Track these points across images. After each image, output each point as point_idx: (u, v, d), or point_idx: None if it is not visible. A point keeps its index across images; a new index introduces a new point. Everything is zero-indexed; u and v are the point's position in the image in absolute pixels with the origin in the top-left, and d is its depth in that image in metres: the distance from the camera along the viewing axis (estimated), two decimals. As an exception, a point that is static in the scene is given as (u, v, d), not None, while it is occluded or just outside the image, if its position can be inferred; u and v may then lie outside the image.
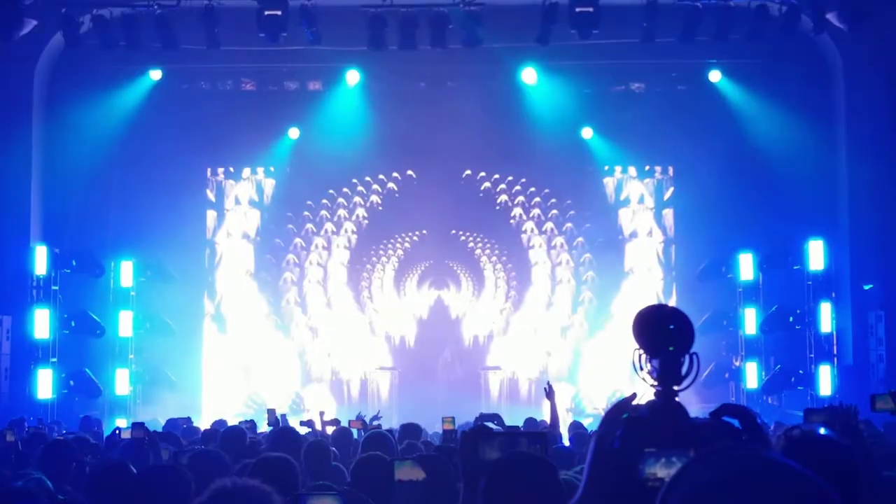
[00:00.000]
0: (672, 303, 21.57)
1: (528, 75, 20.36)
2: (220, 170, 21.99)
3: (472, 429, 6.37)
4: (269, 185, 22.01)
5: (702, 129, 19.82)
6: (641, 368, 3.60)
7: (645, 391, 3.62)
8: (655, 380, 3.58)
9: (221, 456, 6.47)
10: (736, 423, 3.50)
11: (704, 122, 19.90)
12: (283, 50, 18.42)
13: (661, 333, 3.60)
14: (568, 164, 20.79)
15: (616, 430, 3.38)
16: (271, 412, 11.79)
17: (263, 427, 12.59)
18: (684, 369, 3.62)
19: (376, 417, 12.67)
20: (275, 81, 21.21)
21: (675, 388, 3.62)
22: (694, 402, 20.15)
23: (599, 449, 3.37)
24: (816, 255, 19.39)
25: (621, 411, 3.49)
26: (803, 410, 8.41)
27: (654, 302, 21.69)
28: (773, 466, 1.87)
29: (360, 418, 11.98)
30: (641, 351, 3.60)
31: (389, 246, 22.00)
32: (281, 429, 9.36)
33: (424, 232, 21.75)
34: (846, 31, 17.63)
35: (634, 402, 3.55)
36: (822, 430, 4.32)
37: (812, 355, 19.33)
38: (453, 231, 21.74)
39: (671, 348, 3.59)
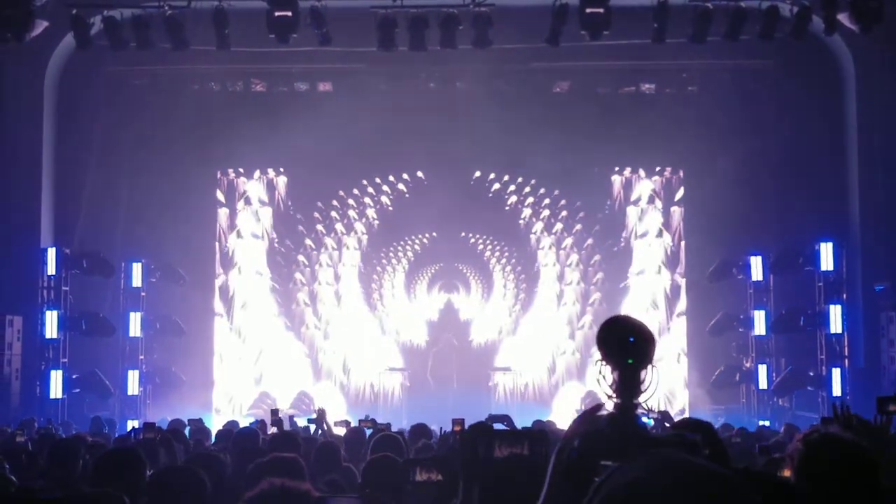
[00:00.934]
0: (681, 304, 21.57)
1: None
2: (231, 170, 22.02)
3: (472, 427, 6.32)
4: (280, 186, 22.04)
5: (712, 130, 19.76)
6: (604, 380, 3.53)
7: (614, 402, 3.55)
8: (615, 392, 3.52)
9: (224, 458, 6.46)
10: (698, 437, 3.38)
11: (714, 124, 19.82)
12: (293, 51, 18.41)
13: (621, 346, 3.55)
14: (577, 166, 20.74)
15: (574, 442, 3.31)
16: (274, 412, 11.81)
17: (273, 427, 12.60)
18: (644, 382, 3.54)
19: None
20: (285, 82, 21.24)
21: (634, 401, 3.54)
22: (707, 403, 20.21)
23: (558, 460, 3.33)
24: (827, 256, 19.33)
25: (583, 422, 3.44)
26: (820, 418, 8.37)
27: (661, 302, 21.71)
28: (691, 468, 1.90)
29: (369, 419, 11.97)
30: (603, 362, 3.55)
31: (399, 248, 22.01)
32: (281, 433, 9.36)
33: (434, 234, 21.75)
34: (858, 33, 17.56)
35: (598, 414, 3.50)
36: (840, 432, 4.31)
37: (823, 357, 19.27)
38: (462, 233, 21.74)
39: (630, 361, 3.53)
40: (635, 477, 1.90)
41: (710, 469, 1.93)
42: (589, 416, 3.47)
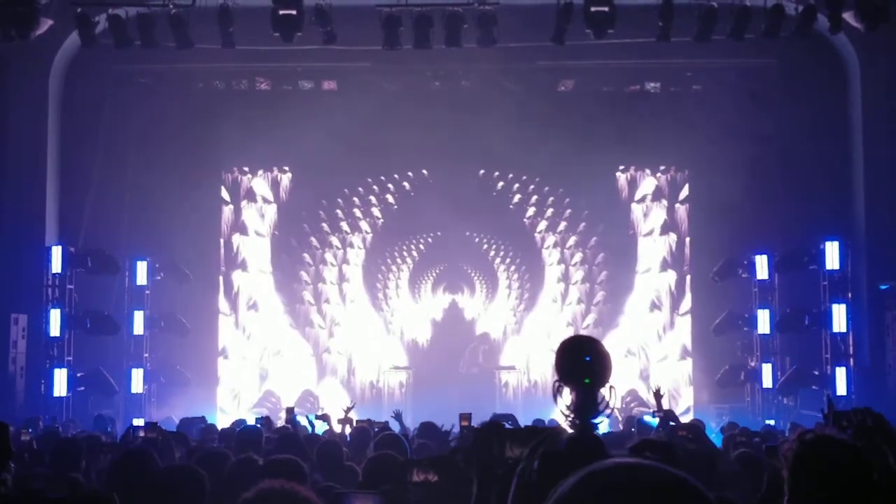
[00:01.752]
0: (686, 301, 21.55)
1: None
2: (235, 169, 22.04)
3: (487, 427, 6.32)
4: (284, 184, 22.06)
5: (717, 129, 19.72)
6: (560, 399, 3.54)
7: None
8: (572, 412, 3.51)
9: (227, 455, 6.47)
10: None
11: (719, 123, 19.78)
12: (298, 49, 18.41)
13: (578, 365, 3.54)
14: (582, 164, 20.70)
15: (535, 463, 3.24)
16: (289, 410, 11.83)
17: (279, 423, 12.63)
18: (602, 403, 3.53)
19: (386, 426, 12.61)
20: (289, 81, 21.23)
21: (592, 420, 3.53)
22: (712, 402, 20.20)
23: (520, 482, 3.27)
24: (833, 255, 19.30)
25: (543, 444, 3.38)
26: (821, 414, 8.38)
27: (666, 301, 21.69)
28: (638, 470, 1.92)
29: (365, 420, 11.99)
30: (560, 382, 3.55)
31: (404, 248, 22.00)
32: (285, 434, 9.37)
33: (439, 234, 21.75)
34: (863, 31, 17.52)
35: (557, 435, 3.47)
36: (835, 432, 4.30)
37: (827, 356, 19.24)
38: (467, 233, 21.74)
39: (587, 381, 3.52)
40: (581, 479, 1.94)
41: (658, 469, 1.96)
42: (547, 439, 3.40)
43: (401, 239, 22.04)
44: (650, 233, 21.90)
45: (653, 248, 21.88)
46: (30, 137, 19.63)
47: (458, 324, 21.92)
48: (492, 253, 21.97)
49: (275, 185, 22.10)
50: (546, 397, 21.28)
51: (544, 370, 21.61)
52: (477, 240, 21.89)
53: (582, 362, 3.55)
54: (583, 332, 21.53)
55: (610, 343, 21.19)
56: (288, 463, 5.62)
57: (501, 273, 21.96)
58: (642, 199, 21.90)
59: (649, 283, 21.77)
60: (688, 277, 21.73)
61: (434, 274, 21.91)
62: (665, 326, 21.53)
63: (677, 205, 21.87)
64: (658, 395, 10.27)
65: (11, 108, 19.54)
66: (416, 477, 4.67)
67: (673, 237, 21.87)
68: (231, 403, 21.32)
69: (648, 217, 21.91)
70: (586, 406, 3.52)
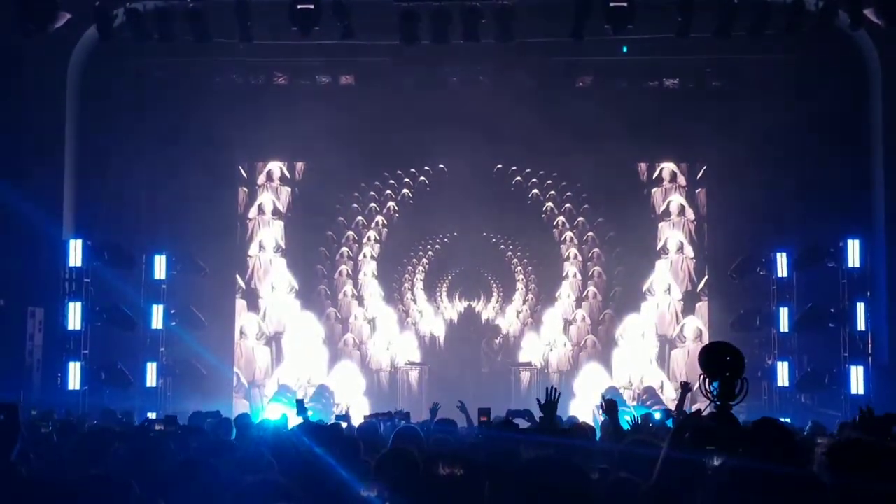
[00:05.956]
0: (703, 305, 21.48)
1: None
2: (253, 163, 22.03)
3: (500, 426, 6.36)
4: (300, 178, 22.06)
5: (735, 126, 19.62)
6: (706, 389, 4.98)
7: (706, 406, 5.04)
8: (715, 398, 4.94)
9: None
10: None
11: (738, 120, 19.68)
12: (316, 44, 18.39)
13: (720, 363, 4.97)
14: (600, 160, 20.64)
15: (686, 433, 4.69)
16: (300, 403, 11.79)
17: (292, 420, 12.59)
18: (737, 390, 5.01)
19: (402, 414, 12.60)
20: (307, 75, 21.21)
21: (730, 404, 4.96)
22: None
23: (674, 443, 4.64)
24: (854, 253, 19.18)
25: (692, 420, 4.94)
26: (838, 425, 8.55)
27: (681, 295, 21.65)
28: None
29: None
30: (704, 376, 4.99)
31: (420, 245, 21.98)
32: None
33: (455, 233, 21.74)
34: (884, 27, 17.40)
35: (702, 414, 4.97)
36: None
37: (846, 354, 19.12)
38: (484, 232, 21.72)
39: (727, 374, 4.93)
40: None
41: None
42: (693, 417, 4.96)
43: (417, 234, 22.03)
44: (668, 212, 21.80)
45: (672, 240, 21.80)
46: (48, 131, 19.64)
47: (474, 322, 21.91)
48: (508, 251, 21.93)
49: (291, 179, 22.09)
50: (562, 392, 21.24)
51: (561, 365, 21.59)
52: (493, 238, 21.87)
53: (724, 361, 4.99)
54: (600, 328, 21.57)
55: (627, 334, 21.29)
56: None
57: (518, 271, 21.93)
58: (660, 194, 21.83)
59: (668, 266, 21.71)
60: (705, 276, 21.66)
61: (450, 277, 21.91)
62: (679, 315, 21.58)
63: (695, 201, 21.78)
64: (686, 389, 10.12)
65: (30, 101, 19.54)
66: (443, 470, 4.68)
67: (691, 234, 21.78)
68: (247, 398, 21.33)
69: (666, 213, 21.84)
70: (726, 393, 4.96)
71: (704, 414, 4.88)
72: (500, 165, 21.67)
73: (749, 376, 18.10)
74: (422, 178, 21.95)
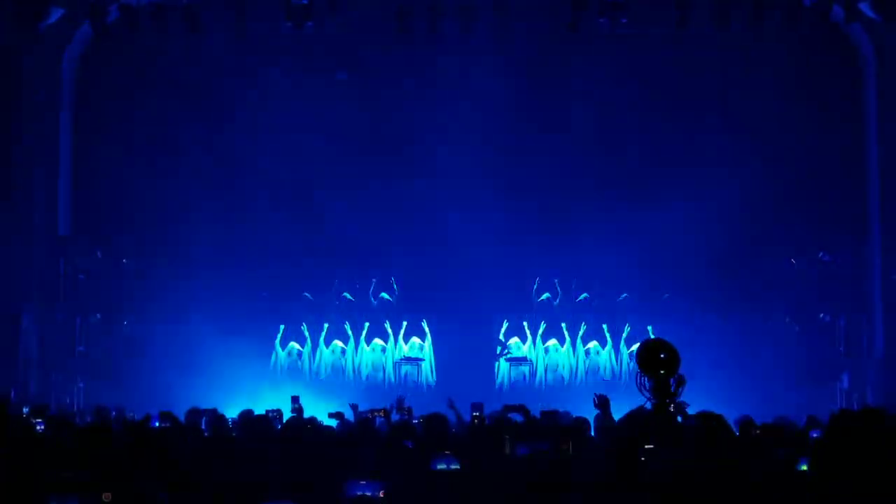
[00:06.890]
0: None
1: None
2: (248, 159, 21.90)
3: (496, 422, 6.45)
4: (296, 173, 21.98)
5: (729, 120, 19.60)
6: (641, 385, 5.27)
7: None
8: (651, 395, 5.24)
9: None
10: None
11: (732, 114, 19.65)
12: (310, 38, 18.36)
13: (655, 361, 5.22)
14: (599, 158, 20.56)
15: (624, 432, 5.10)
16: (295, 399, 11.84)
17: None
18: (672, 388, 5.27)
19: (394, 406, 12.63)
20: (302, 69, 21.13)
21: (666, 400, 5.24)
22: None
23: (612, 443, 5.17)
24: (847, 252, 19.24)
25: (631, 417, 5.28)
26: (829, 415, 8.48)
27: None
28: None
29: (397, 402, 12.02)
30: (642, 373, 5.27)
31: (416, 247, 21.85)
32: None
33: (455, 237, 21.57)
34: (879, 21, 17.42)
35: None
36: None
37: (842, 349, 19.14)
38: (480, 231, 21.58)
39: (662, 372, 5.20)
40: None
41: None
42: (635, 414, 5.22)
43: (412, 234, 21.81)
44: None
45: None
46: (44, 129, 19.58)
47: (472, 318, 21.84)
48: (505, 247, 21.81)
49: (288, 175, 21.99)
50: (556, 387, 21.22)
51: (554, 362, 21.55)
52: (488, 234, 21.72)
53: (658, 359, 5.21)
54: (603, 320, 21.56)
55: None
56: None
57: (515, 270, 21.74)
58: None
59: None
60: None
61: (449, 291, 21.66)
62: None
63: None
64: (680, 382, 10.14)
65: (25, 98, 19.48)
66: (437, 465, 4.71)
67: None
68: (244, 395, 21.28)
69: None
70: (661, 390, 5.21)
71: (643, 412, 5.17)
72: (494, 160, 21.56)
73: (747, 372, 18.05)
74: (417, 172, 21.81)
